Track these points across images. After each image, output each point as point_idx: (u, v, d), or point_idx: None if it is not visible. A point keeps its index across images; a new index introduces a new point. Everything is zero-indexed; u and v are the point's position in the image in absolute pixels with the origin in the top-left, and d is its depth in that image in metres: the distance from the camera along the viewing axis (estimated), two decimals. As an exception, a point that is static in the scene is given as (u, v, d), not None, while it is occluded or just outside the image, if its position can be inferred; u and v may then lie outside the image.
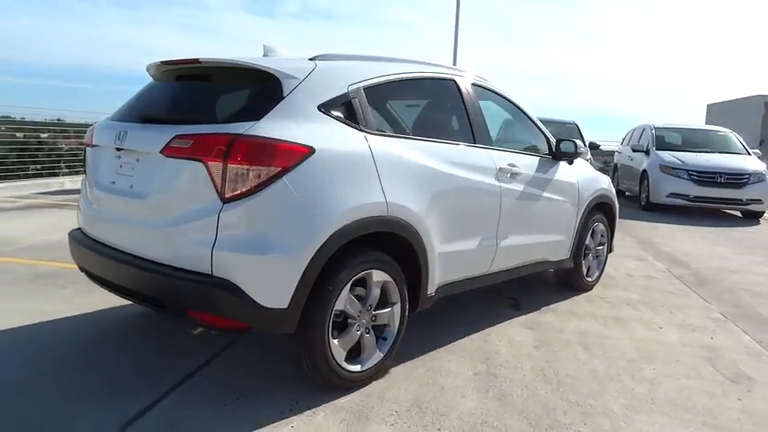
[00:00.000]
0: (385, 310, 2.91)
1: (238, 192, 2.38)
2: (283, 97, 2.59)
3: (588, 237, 4.68)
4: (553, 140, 4.21)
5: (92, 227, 3.02)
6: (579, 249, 4.57)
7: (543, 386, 2.96)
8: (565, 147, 4.15)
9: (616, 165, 13.65)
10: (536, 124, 4.21)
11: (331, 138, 2.64)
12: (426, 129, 3.37)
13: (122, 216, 2.76)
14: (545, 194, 4.03)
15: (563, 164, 4.30)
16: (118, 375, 2.83)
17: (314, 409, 2.60)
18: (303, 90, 2.66)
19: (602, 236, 4.92)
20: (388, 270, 2.87)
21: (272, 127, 2.48)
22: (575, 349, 3.50)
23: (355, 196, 2.64)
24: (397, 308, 2.97)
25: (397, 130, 3.22)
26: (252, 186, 2.39)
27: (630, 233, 7.95)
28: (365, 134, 2.80)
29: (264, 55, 3.04)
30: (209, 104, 2.71)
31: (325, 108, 2.70)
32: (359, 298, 2.79)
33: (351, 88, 2.83)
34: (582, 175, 4.52)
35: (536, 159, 4.03)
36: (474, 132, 3.51)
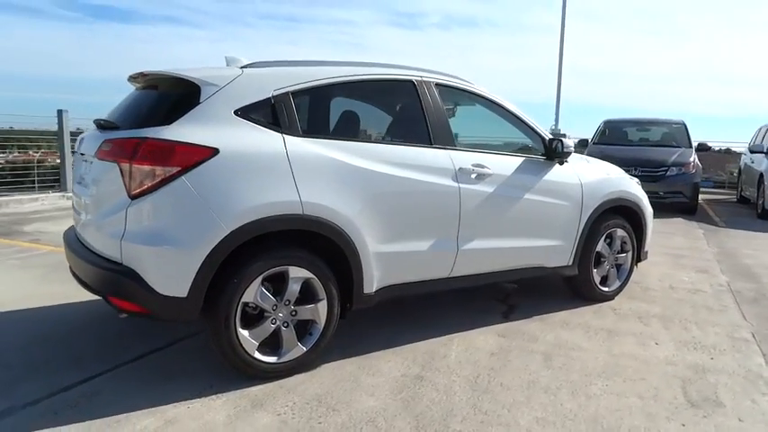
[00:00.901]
0: (307, 306, 3.01)
1: (141, 189, 2.64)
2: (199, 103, 2.82)
3: (601, 243, 4.35)
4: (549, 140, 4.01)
5: (75, 224, 3.47)
6: (586, 256, 4.27)
7: (464, 393, 2.87)
8: (553, 146, 3.93)
9: (740, 169, 12.22)
10: (527, 124, 4.03)
11: (240, 140, 2.81)
12: (370, 131, 3.42)
13: (82, 213, 3.15)
14: (531, 196, 3.84)
15: (565, 165, 4.06)
16: (80, 353, 3.23)
17: (221, 394, 2.78)
18: (221, 96, 2.86)
19: (623, 243, 4.54)
20: (310, 267, 2.97)
21: (178, 130, 2.71)
22: (532, 359, 3.31)
23: (263, 195, 2.79)
24: (323, 305, 3.05)
25: (334, 132, 3.27)
26: (153, 184, 2.63)
27: (717, 242, 7.14)
28: (285, 136, 2.93)
29: (227, 65, 3.28)
30: (141, 111, 3.01)
31: (243, 112, 2.87)
32: (277, 292, 2.92)
33: (275, 93, 2.98)
34: (588, 176, 4.22)
35: (518, 160, 3.85)
36: (432, 133, 3.47)
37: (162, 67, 3.08)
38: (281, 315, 2.94)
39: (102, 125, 3.13)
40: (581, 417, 2.67)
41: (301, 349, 3.01)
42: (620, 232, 4.48)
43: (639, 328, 3.92)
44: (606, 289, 4.49)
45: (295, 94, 3.05)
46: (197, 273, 2.65)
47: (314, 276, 2.99)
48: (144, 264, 2.64)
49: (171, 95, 2.97)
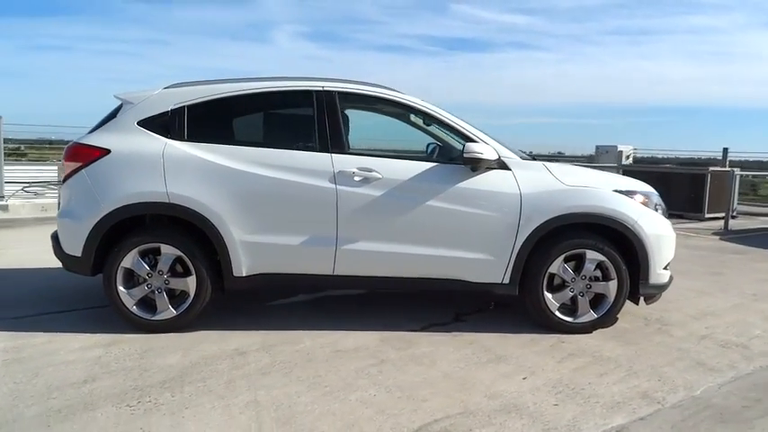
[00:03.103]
0: (179, 279, 3.70)
1: (64, 177, 3.76)
2: (115, 116, 3.81)
3: (558, 264, 3.81)
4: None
5: None
6: (533, 277, 3.81)
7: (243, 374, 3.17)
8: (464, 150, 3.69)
9: None
10: (456, 131, 3.86)
11: (131, 144, 3.69)
12: (256, 136, 3.86)
13: None
14: (437, 203, 3.72)
15: (496, 172, 3.77)
16: (49, 299, 4.52)
17: (89, 335, 3.64)
18: (132, 111, 3.79)
19: (604, 269, 3.84)
20: (179, 246, 3.67)
21: (92, 137, 3.76)
22: (351, 365, 3.31)
23: (135, 185, 3.62)
24: (192, 279, 3.69)
25: (218, 138, 3.77)
26: (67, 174, 3.73)
27: None
28: (168, 141, 3.70)
29: None
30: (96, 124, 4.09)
31: (143, 123, 3.75)
32: (153, 263, 3.70)
33: (173, 107, 3.77)
34: (537, 187, 3.78)
35: (425, 165, 3.76)
36: (319, 139, 3.75)
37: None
38: (155, 282, 3.70)
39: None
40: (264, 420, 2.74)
41: (172, 312, 3.71)
42: (592, 254, 3.83)
43: (533, 360, 3.40)
44: (569, 319, 3.88)
45: (190, 107, 3.79)
46: (86, 240, 3.64)
47: (183, 254, 3.68)
48: (60, 231, 3.76)
49: (111, 111, 4.02)
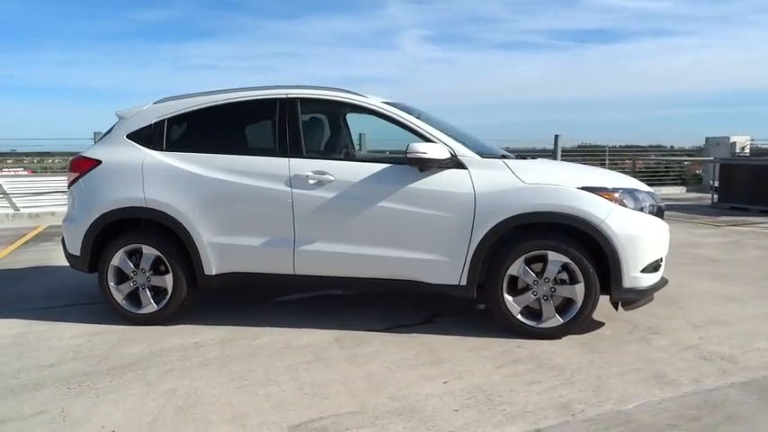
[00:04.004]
0: (159, 276, 4.05)
1: (68, 186, 4.27)
2: (111, 131, 4.26)
3: (518, 265, 3.64)
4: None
5: None
6: (492, 279, 3.67)
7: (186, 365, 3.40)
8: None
9: None
10: (411, 129, 3.82)
11: (118, 155, 4.10)
12: (222, 144, 4.06)
13: None
14: (389, 204, 3.71)
15: (450, 172, 3.69)
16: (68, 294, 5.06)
17: (85, 325, 4.08)
18: (123, 125, 4.21)
19: (571, 271, 3.60)
20: (157, 247, 4.01)
21: (91, 150, 4.23)
22: (291, 361, 3.41)
23: (121, 192, 4.02)
24: (170, 277, 4.02)
25: (191, 147, 4.04)
26: (69, 183, 4.23)
27: None
28: (149, 152, 4.06)
29: None
30: (103, 138, 4.57)
31: (131, 136, 4.15)
32: (138, 262, 4.07)
33: (154, 121, 4.13)
34: (493, 186, 3.64)
35: (379, 167, 3.76)
36: (281, 144, 3.91)
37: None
38: (139, 280, 4.08)
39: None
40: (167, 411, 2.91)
41: (154, 307, 4.07)
42: (554, 256, 3.60)
43: (471, 366, 3.26)
44: (533, 324, 3.68)
45: (171, 120, 4.13)
46: (82, 240, 4.10)
47: (161, 254, 4.02)
48: (64, 232, 4.28)
49: (111, 127, 4.47)
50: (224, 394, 2.96)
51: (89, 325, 4.10)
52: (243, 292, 4.87)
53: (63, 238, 4.34)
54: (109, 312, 4.20)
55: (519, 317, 3.70)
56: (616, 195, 3.64)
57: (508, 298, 3.69)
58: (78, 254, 4.16)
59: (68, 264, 4.34)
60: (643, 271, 3.63)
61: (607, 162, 16.14)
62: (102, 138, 4.33)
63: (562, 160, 10.72)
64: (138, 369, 3.31)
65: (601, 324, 3.98)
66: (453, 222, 3.67)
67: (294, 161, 3.87)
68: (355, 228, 3.79)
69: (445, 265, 3.72)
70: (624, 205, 3.63)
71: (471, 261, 3.68)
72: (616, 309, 3.77)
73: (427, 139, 3.78)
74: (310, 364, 3.34)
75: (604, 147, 17.69)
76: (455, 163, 3.72)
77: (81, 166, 4.19)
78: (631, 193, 3.74)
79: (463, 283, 3.72)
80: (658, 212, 3.88)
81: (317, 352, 3.54)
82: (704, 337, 3.70)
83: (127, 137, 4.17)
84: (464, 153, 3.76)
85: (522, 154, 4.66)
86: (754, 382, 3.02)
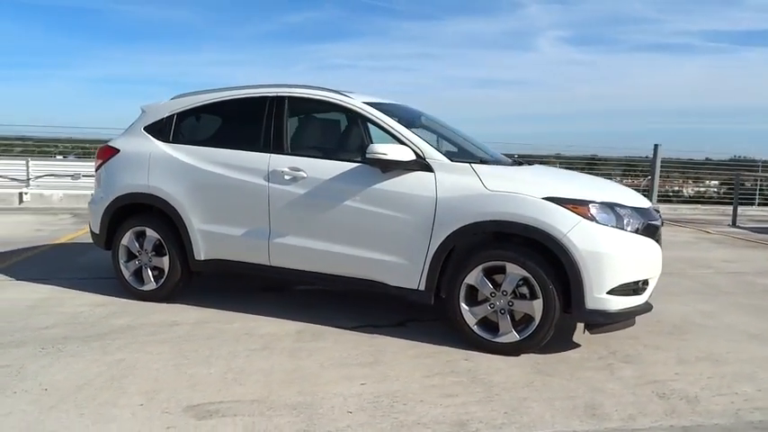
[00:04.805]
0: (158, 258, 4.40)
1: (95, 170, 4.77)
2: (133, 124, 4.69)
3: (476, 275, 3.51)
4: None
5: None
6: (450, 287, 3.57)
7: (168, 349, 3.69)
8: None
9: None
10: (387, 131, 3.80)
11: (134, 145, 4.51)
12: (218, 138, 4.31)
13: None
14: (353, 203, 3.74)
15: (414, 174, 3.64)
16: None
17: (100, 296, 4.55)
18: (143, 119, 4.63)
19: (530, 286, 3.41)
20: (158, 230, 4.37)
21: (116, 140, 4.70)
22: (266, 355, 3.56)
23: (132, 178, 4.43)
24: (167, 259, 4.36)
25: (191, 140, 4.34)
26: (96, 168, 4.73)
27: None
28: (157, 143, 4.43)
29: None
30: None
31: (147, 128, 4.55)
32: (141, 245, 4.46)
33: (166, 115, 4.50)
34: (457, 190, 3.54)
35: (347, 165, 3.78)
36: (266, 139, 4.08)
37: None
38: (143, 259, 4.46)
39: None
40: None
41: (153, 285, 4.43)
42: (512, 268, 3.42)
43: (379, 372, 3.19)
44: (488, 337, 3.52)
45: (179, 114, 4.47)
46: (100, 220, 4.58)
47: (160, 238, 4.37)
48: (89, 212, 4.78)
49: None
50: (157, 370, 3.19)
51: (101, 296, 4.56)
52: (250, 280, 5.12)
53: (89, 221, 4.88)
54: (120, 287, 4.65)
55: (475, 328, 3.56)
56: (587, 209, 3.37)
57: (464, 307, 3.56)
58: (98, 232, 4.65)
59: (94, 242, 4.86)
60: (611, 293, 3.33)
61: (759, 179, 14.77)
62: (126, 130, 4.79)
63: (663, 173, 9.91)
64: (108, 338, 3.66)
65: (575, 346, 3.71)
66: (414, 225, 3.62)
67: (274, 157, 4.02)
68: (323, 224, 3.87)
69: (405, 268, 3.68)
70: (594, 219, 3.35)
71: (430, 266, 3.60)
72: (583, 332, 3.50)
73: (400, 141, 3.76)
74: (254, 352, 3.48)
75: (758, 161, 16.04)
76: (421, 166, 3.66)
77: (105, 153, 4.67)
78: (611, 207, 3.44)
79: (421, 287, 3.65)
80: (647, 231, 3.53)
81: (270, 342, 3.67)
82: (681, 374, 3.31)
83: (144, 129, 4.57)
84: (433, 156, 3.68)
85: (530, 160, 4.46)
86: (695, 430, 2.68)
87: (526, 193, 3.43)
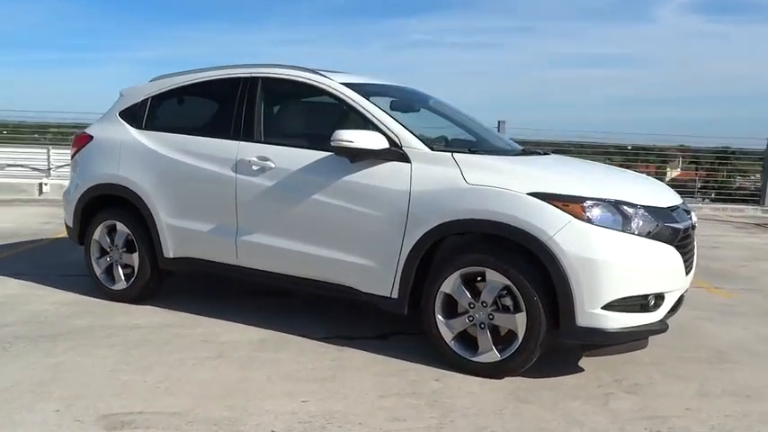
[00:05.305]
0: (129, 255, 4.62)
1: (71, 158, 5.06)
2: (110, 109, 4.94)
3: (453, 282, 3.45)
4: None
5: None
6: (427, 296, 3.53)
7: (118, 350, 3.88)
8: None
9: None
10: (365, 118, 3.79)
11: (107, 132, 4.75)
12: (189, 124, 4.46)
13: None
14: (323, 197, 3.77)
15: (389, 165, 3.63)
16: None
17: (72, 294, 4.83)
18: (119, 103, 4.86)
19: (514, 296, 3.31)
20: (127, 225, 4.58)
21: (92, 126, 4.97)
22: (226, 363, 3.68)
23: (104, 167, 4.66)
24: (137, 255, 4.56)
25: (162, 126, 4.51)
26: (71, 156, 5.02)
27: None
28: (130, 129, 4.63)
29: None
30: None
31: (121, 114, 4.78)
32: (112, 240, 4.69)
33: (140, 99, 4.70)
34: (435, 184, 3.49)
35: (318, 155, 3.80)
36: (236, 125, 4.18)
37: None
38: (114, 256, 4.68)
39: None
40: (66, 373, 3.35)
41: (124, 284, 4.65)
42: (493, 275, 3.34)
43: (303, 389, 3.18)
44: (466, 355, 3.45)
45: (153, 98, 4.66)
46: (73, 213, 4.85)
47: (131, 233, 4.58)
48: (64, 205, 5.08)
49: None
50: (92, 375, 3.36)
51: (74, 294, 4.84)
52: (238, 282, 5.23)
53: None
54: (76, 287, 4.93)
55: (452, 344, 3.50)
56: (580, 206, 3.23)
57: (440, 319, 3.51)
58: (71, 225, 4.93)
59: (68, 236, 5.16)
60: (609, 308, 3.18)
61: None
62: (102, 115, 5.05)
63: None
64: (60, 339, 3.88)
65: (578, 370, 3.57)
66: (385, 223, 3.60)
67: (243, 145, 4.11)
68: (290, 221, 3.92)
69: (377, 273, 3.67)
70: (589, 220, 3.20)
71: (403, 271, 3.57)
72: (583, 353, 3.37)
73: (376, 127, 3.74)
74: (203, 361, 3.59)
75: None
76: (397, 155, 3.63)
77: (79, 141, 4.95)
78: (615, 206, 3.28)
79: (394, 295, 3.63)
80: (664, 235, 3.33)
81: (227, 350, 3.77)
82: (693, 409, 3.11)
83: (119, 114, 4.80)
84: (411, 144, 3.65)
85: (546, 150, 4.34)
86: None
87: (508, 187, 3.33)
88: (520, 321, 3.30)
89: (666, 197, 3.66)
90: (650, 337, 3.95)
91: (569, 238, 3.17)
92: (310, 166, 3.85)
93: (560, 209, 3.22)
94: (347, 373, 3.47)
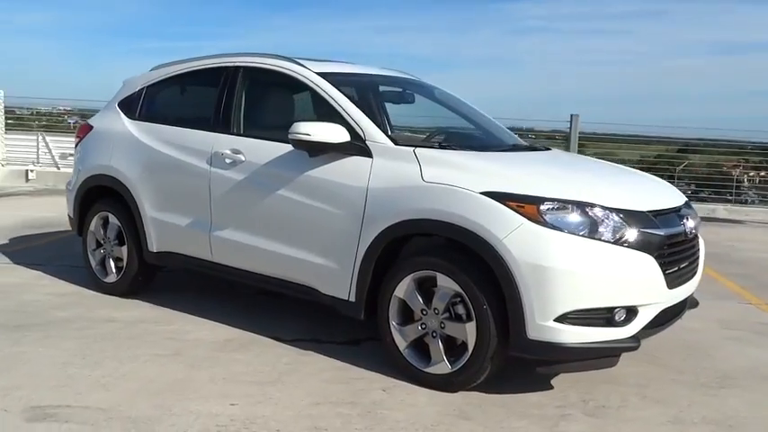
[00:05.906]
0: (118, 247, 4.86)
1: (74, 146, 5.38)
2: (112, 98, 5.21)
3: (406, 286, 3.41)
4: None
5: None
6: (381, 299, 3.51)
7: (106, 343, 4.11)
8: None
9: None
10: (333, 108, 3.81)
11: (106, 122, 5.01)
12: (176, 115, 4.61)
13: None
14: (286, 193, 3.81)
15: (351, 159, 3.63)
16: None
17: (69, 285, 5.14)
18: (119, 93, 5.12)
19: (466, 305, 3.24)
20: (117, 216, 4.82)
21: (94, 116, 5.26)
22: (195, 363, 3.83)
23: (99, 157, 4.92)
24: (125, 248, 4.79)
25: (151, 116, 4.68)
26: (74, 146, 5.33)
27: None
28: (125, 119, 4.87)
29: None
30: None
31: (119, 104, 5.02)
32: (107, 230, 4.95)
33: (137, 89, 4.93)
34: (392, 181, 3.46)
35: (285, 148, 3.84)
36: (216, 116, 4.30)
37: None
38: (107, 248, 4.94)
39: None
40: (19, 363, 3.58)
41: (115, 277, 4.90)
42: (444, 281, 3.28)
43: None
44: (419, 365, 3.41)
45: (147, 88, 4.87)
46: (74, 203, 5.16)
47: (121, 225, 4.82)
48: (66, 195, 5.40)
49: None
50: (46, 366, 3.55)
51: (72, 286, 5.13)
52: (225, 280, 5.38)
53: None
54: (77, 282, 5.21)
55: (405, 353, 3.45)
56: (537, 207, 3.09)
57: (395, 326, 3.48)
58: (72, 216, 5.25)
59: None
60: (563, 321, 3.03)
61: None
62: (105, 105, 5.35)
63: None
64: (33, 330, 4.13)
65: (547, 387, 3.44)
66: (343, 222, 3.59)
67: (219, 137, 4.21)
68: (257, 216, 3.99)
69: (335, 274, 3.67)
70: (543, 222, 3.07)
71: (359, 273, 3.56)
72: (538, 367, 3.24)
73: (342, 119, 3.75)
74: (158, 358, 3.72)
75: None
76: (358, 149, 3.62)
77: (82, 131, 5.25)
78: (579, 207, 3.12)
79: (351, 298, 3.62)
80: (641, 242, 3.14)
81: (186, 348, 3.88)
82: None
83: (118, 104, 5.06)
84: (374, 138, 3.63)
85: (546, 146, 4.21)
86: None
87: (461, 185, 3.23)
88: (470, 331, 3.21)
89: (661, 200, 3.46)
90: (649, 355, 3.80)
91: (521, 242, 3.05)
92: (276, 160, 3.90)
93: (514, 210, 3.10)
94: (293, 377, 3.50)
